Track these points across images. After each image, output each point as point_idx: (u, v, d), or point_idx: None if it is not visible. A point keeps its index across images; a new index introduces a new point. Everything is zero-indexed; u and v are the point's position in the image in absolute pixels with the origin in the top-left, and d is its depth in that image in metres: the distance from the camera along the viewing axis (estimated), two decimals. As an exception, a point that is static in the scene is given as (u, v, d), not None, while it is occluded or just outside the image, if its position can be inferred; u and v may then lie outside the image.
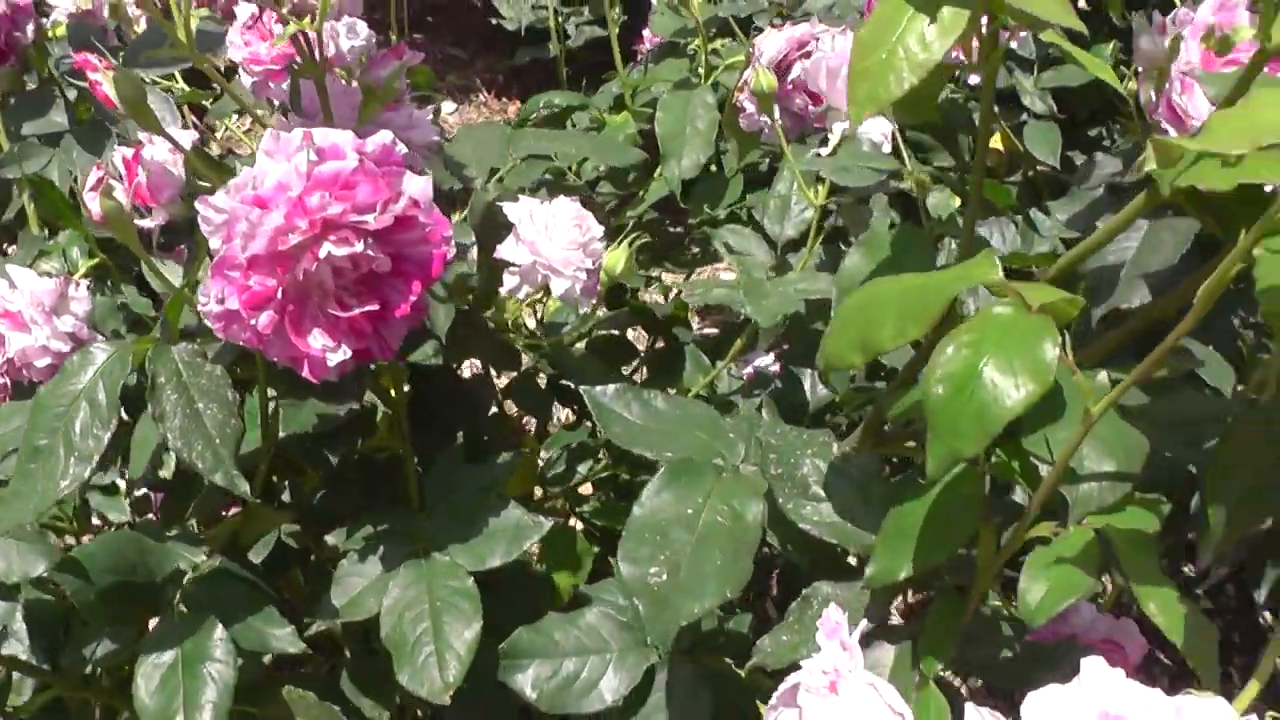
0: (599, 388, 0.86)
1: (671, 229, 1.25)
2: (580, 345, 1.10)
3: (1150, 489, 0.62)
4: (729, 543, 0.73)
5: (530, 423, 1.25)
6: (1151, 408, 0.72)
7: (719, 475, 0.78)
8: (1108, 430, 0.62)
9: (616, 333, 1.15)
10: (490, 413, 1.03)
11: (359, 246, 0.68)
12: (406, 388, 0.92)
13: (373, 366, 0.88)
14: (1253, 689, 0.46)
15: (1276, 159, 0.51)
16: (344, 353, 0.71)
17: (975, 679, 0.91)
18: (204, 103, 1.22)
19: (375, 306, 0.72)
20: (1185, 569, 1.57)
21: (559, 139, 1.15)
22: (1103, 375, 0.63)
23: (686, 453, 0.78)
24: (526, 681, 0.87)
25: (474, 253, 0.90)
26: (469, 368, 1.18)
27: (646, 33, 1.66)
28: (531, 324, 1.09)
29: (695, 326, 1.35)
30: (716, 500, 0.77)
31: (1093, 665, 0.40)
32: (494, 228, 0.91)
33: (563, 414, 1.30)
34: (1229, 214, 0.63)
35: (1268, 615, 1.64)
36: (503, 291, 0.90)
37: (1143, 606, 0.56)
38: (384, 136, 0.70)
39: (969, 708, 0.41)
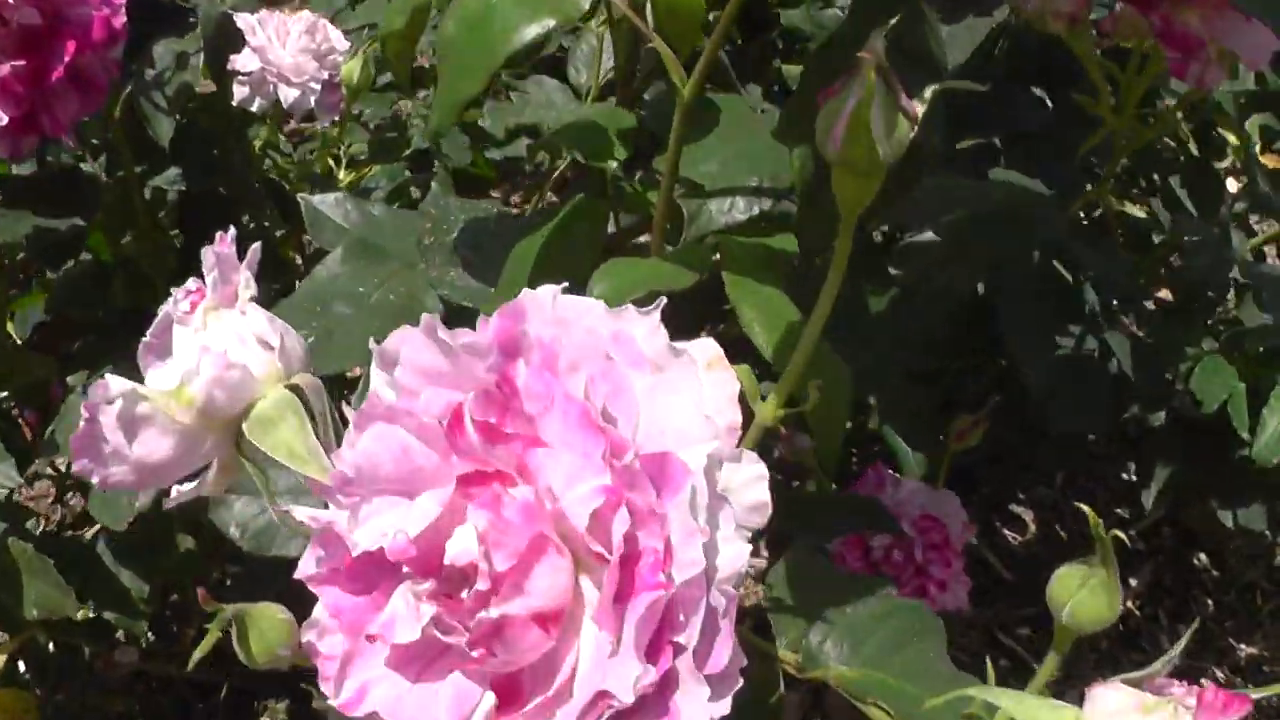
0: (319, 195, 0.80)
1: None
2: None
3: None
4: (401, 317, 0.66)
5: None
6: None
7: (409, 266, 0.71)
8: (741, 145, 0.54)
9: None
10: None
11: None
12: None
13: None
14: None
15: None
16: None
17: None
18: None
19: (22, 62, 0.67)
20: (1119, 511, 1.47)
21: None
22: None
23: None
24: (231, 519, 0.80)
25: (198, 60, 0.83)
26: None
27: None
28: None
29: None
30: (396, 283, 0.70)
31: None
32: (227, 38, 0.85)
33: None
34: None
35: (1203, 556, 1.53)
36: (234, 103, 0.84)
37: (738, 313, 0.47)
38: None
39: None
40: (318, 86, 0.85)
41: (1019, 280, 0.81)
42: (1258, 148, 1.25)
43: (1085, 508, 0.35)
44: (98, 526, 1.00)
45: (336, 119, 0.87)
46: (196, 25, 0.86)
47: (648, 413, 0.31)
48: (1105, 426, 1.04)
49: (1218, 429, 1.13)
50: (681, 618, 0.30)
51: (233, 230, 0.38)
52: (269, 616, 0.36)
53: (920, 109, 0.37)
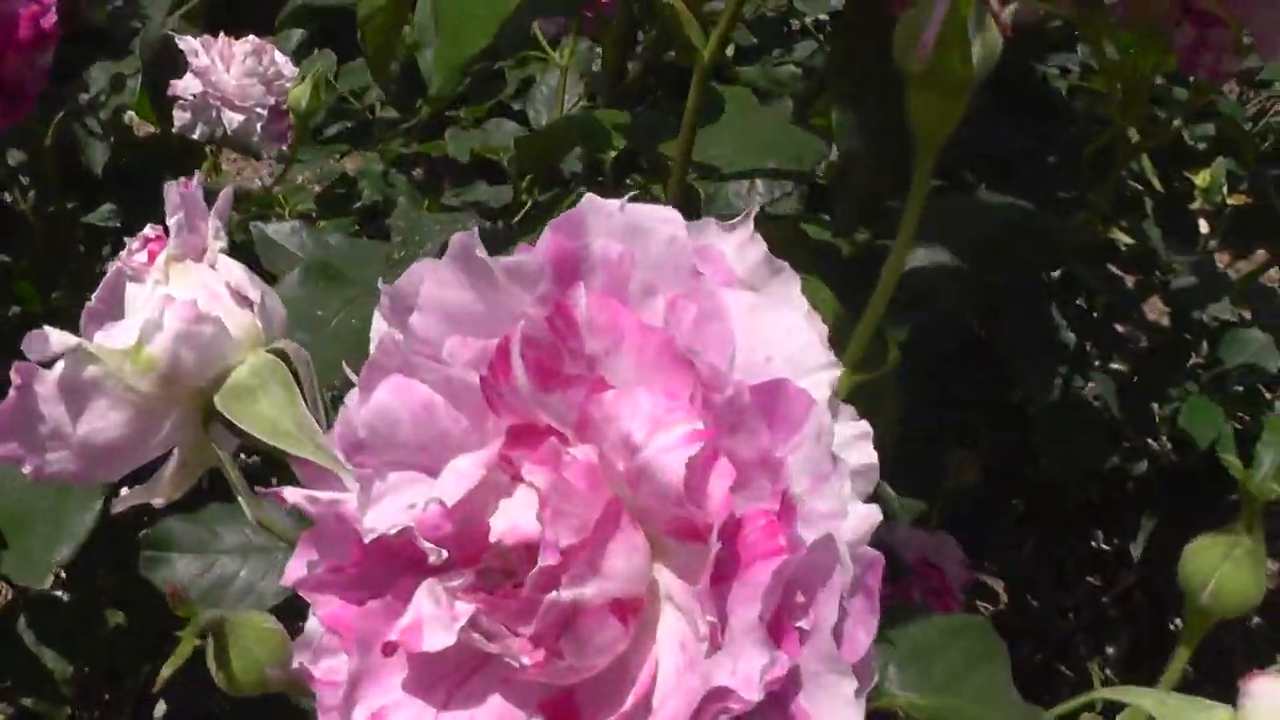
0: (272, 224, 0.73)
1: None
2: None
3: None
4: (364, 344, 0.60)
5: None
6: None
7: (371, 293, 0.65)
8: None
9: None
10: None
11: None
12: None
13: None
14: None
15: None
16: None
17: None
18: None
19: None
20: (1090, 579, 1.44)
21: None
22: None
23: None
24: (172, 578, 0.71)
25: (135, 83, 0.76)
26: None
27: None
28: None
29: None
30: (358, 308, 0.63)
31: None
32: (167, 60, 0.78)
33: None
34: None
35: (1178, 621, 1.51)
36: (175, 129, 0.77)
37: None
38: None
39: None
40: (264, 112, 0.79)
41: (1024, 303, 0.77)
42: (1225, 189, 1.25)
43: (1232, 460, 0.30)
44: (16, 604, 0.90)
45: (284, 148, 0.81)
46: (134, 48, 0.80)
47: (746, 340, 0.25)
48: (1098, 463, 1.00)
49: (1203, 478, 1.10)
50: (802, 597, 0.23)
51: (198, 174, 0.32)
52: (255, 626, 0.29)
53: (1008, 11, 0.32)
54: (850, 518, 0.23)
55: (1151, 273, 1.06)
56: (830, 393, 0.24)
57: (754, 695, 0.22)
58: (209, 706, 0.99)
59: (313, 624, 0.28)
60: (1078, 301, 1.11)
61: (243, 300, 0.30)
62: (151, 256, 0.30)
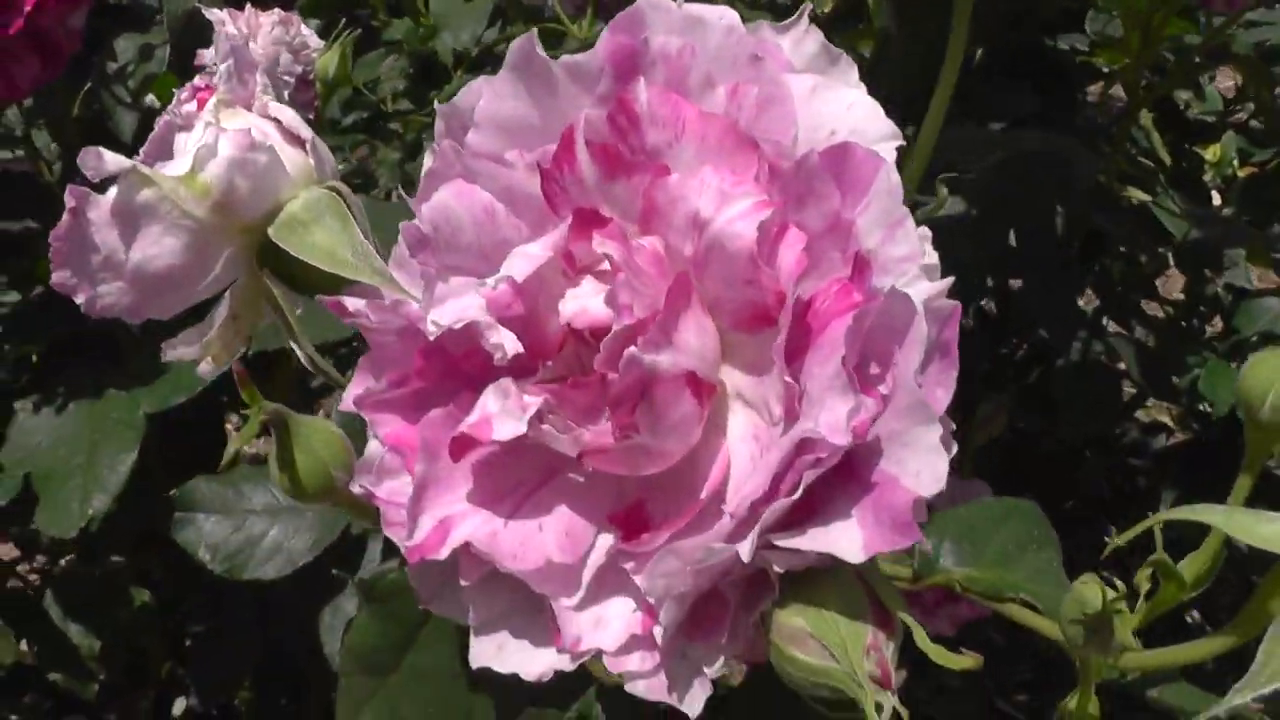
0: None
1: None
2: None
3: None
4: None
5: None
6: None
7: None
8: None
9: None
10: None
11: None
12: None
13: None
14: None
15: None
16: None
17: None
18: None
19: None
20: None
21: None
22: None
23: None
24: (200, 540, 0.71)
25: (163, 53, 0.77)
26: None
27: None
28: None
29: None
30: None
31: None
32: (194, 31, 0.79)
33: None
34: None
35: (1195, 614, 1.49)
36: (197, 100, 0.77)
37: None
38: None
39: None
40: (291, 80, 0.79)
41: (1044, 248, 0.76)
42: (1235, 163, 1.26)
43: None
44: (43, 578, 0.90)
45: (310, 118, 0.81)
46: (161, 20, 0.81)
47: (808, 121, 0.24)
48: (1113, 425, 1.00)
49: (1222, 451, 1.09)
50: (881, 355, 0.23)
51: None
52: (319, 428, 0.28)
53: None
54: (925, 276, 0.23)
55: (1167, 241, 1.06)
56: (896, 157, 0.23)
57: (841, 440, 0.21)
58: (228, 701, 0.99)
59: (373, 446, 0.28)
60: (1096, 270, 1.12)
61: (295, 140, 0.30)
62: (201, 104, 0.30)
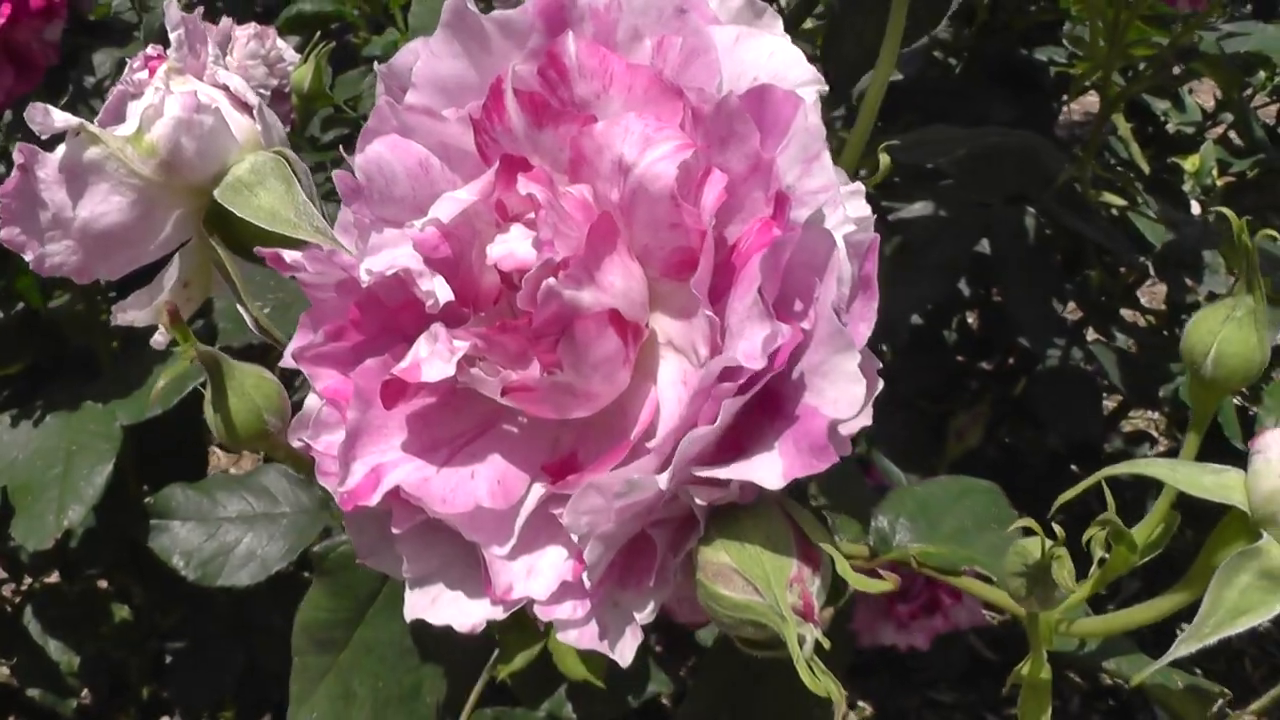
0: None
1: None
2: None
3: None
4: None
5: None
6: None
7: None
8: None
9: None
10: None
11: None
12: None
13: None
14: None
15: None
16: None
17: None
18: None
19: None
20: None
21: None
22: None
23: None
24: (175, 546, 0.71)
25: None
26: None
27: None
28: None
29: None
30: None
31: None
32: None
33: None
34: None
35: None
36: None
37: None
38: None
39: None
40: (267, 94, 0.80)
41: (1017, 249, 0.77)
42: (1215, 172, 1.27)
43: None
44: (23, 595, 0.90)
45: (288, 129, 0.82)
46: (140, 34, 0.82)
47: (732, 70, 0.25)
48: (1095, 431, 1.00)
49: (1206, 459, 1.10)
50: (802, 288, 0.23)
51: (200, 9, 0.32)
52: (253, 374, 0.28)
53: None
54: (852, 214, 0.24)
55: (1146, 249, 1.07)
56: (816, 100, 0.24)
57: (758, 364, 0.22)
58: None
59: (311, 400, 0.28)
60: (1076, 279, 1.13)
61: (243, 106, 0.31)
62: (152, 73, 0.31)
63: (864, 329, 0.23)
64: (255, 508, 0.72)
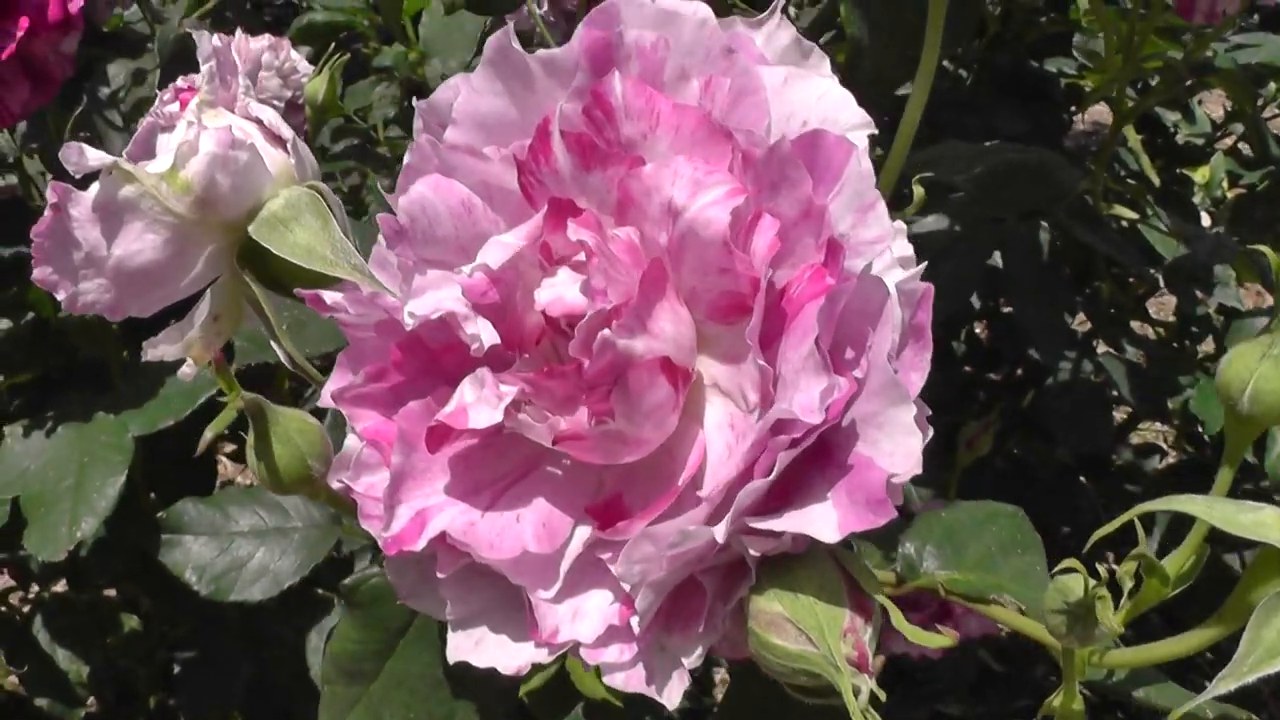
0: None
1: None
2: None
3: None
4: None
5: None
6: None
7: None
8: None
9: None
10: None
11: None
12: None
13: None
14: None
15: None
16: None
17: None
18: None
19: (-33, 39, 0.61)
20: None
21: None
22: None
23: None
24: (187, 562, 0.71)
25: (154, 78, 0.78)
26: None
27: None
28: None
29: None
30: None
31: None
32: (184, 55, 0.80)
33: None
34: None
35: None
36: (187, 124, 0.78)
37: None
38: None
39: None
40: (280, 105, 0.80)
41: (1030, 264, 0.77)
42: (1225, 184, 1.27)
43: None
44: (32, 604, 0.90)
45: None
46: (153, 45, 0.82)
47: (780, 112, 0.25)
48: (1104, 443, 1.00)
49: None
50: (855, 338, 0.23)
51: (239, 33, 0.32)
52: (296, 417, 0.28)
53: None
54: (897, 254, 0.23)
55: (1156, 261, 1.07)
56: (866, 144, 0.24)
57: (815, 418, 0.21)
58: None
59: (351, 440, 0.28)
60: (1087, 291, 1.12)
61: (276, 140, 0.31)
62: (183, 105, 0.31)
63: (916, 379, 0.23)
64: (267, 522, 0.72)
